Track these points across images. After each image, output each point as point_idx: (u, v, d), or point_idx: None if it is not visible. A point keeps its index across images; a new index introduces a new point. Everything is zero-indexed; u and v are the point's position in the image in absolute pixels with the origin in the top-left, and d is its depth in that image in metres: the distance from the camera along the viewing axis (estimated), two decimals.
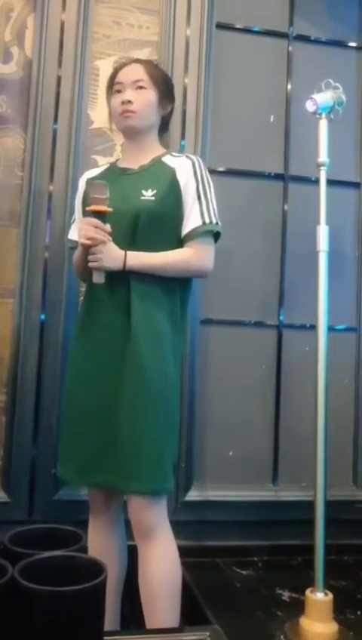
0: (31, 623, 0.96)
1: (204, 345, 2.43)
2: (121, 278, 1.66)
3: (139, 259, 1.65)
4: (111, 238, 1.64)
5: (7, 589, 0.96)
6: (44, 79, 2.30)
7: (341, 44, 2.63)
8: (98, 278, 1.64)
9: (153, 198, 1.68)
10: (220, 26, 2.50)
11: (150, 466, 1.61)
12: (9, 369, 2.26)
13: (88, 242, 1.62)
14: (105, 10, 2.39)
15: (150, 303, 1.67)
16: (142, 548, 1.63)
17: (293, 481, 2.45)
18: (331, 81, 1.99)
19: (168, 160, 1.77)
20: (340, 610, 1.90)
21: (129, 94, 1.74)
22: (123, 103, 1.74)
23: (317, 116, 1.97)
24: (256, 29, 2.56)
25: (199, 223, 1.69)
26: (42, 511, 2.21)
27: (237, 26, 2.54)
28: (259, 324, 2.51)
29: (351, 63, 2.64)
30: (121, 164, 1.84)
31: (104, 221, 1.63)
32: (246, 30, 2.55)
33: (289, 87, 2.57)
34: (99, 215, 1.63)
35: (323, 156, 1.96)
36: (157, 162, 1.77)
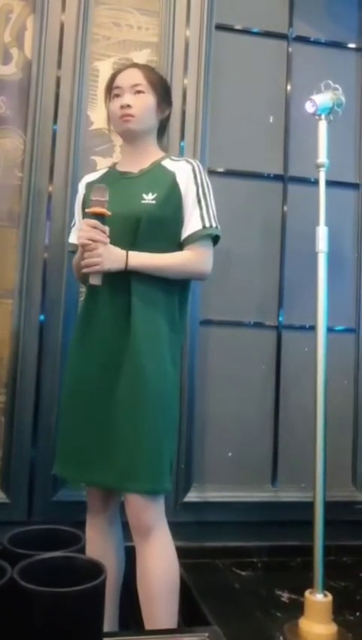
0: (30, 623, 0.96)
1: (204, 346, 2.43)
2: (121, 278, 1.66)
3: (141, 259, 1.66)
4: (108, 241, 1.64)
5: (6, 590, 0.96)
6: (43, 80, 2.30)
7: (340, 45, 2.64)
8: (95, 280, 1.65)
9: (154, 201, 1.69)
10: (220, 27, 2.50)
11: (148, 466, 1.61)
12: (8, 370, 2.26)
13: (88, 242, 1.62)
14: (105, 12, 2.39)
15: (150, 303, 1.68)
16: (140, 547, 1.64)
17: (293, 482, 2.45)
18: (330, 82, 2.00)
19: (168, 164, 1.78)
20: (339, 611, 1.90)
21: (128, 98, 1.75)
22: (122, 107, 1.75)
23: (317, 117, 1.97)
24: (255, 30, 2.56)
25: (199, 226, 1.71)
26: (41, 512, 2.21)
27: (237, 27, 2.54)
28: (258, 325, 2.51)
29: (350, 64, 2.64)
30: (121, 168, 1.84)
31: (103, 223, 1.64)
32: (245, 31, 2.55)
33: (288, 88, 2.58)
34: (99, 217, 1.63)
35: (322, 157, 1.97)
36: (157, 166, 1.78)
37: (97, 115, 2.35)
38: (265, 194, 2.54)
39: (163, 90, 1.83)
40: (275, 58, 2.57)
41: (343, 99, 1.98)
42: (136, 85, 1.76)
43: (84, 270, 1.65)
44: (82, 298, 2.28)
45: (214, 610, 1.90)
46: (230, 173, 2.47)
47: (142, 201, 1.69)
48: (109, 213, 1.63)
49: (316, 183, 1.99)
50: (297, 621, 1.84)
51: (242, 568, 2.30)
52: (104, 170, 1.91)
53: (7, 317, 2.27)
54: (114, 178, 1.81)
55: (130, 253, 1.66)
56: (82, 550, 1.18)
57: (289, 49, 2.58)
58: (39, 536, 1.22)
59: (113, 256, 1.64)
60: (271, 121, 2.56)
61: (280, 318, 2.52)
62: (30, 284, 2.26)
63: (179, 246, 1.73)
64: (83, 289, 2.27)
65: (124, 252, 1.65)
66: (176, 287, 1.74)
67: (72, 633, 0.96)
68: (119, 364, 1.65)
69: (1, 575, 0.98)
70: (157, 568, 1.61)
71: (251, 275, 2.50)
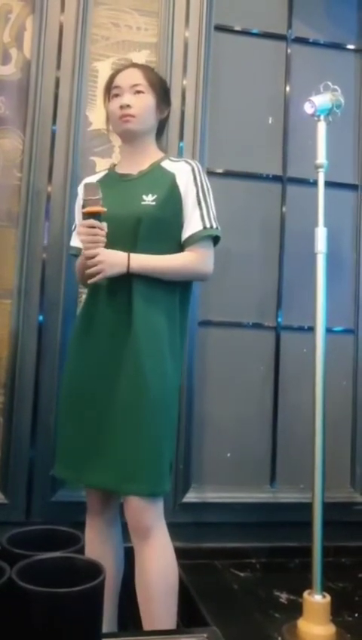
0: (29, 624, 0.95)
1: (203, 346, 2.43)
2: (122, 278, 1.66)
3: (142, 261, 1.66)
4: (105, 240, 1.64)
5: (5, 590, 0.96)
6: (42, 81, 2.30)
7: (339, 46, 2.64)
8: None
9: (154, 203, 1.69)
10: (219, 28, 2.50)
11: (148, 467, 1.61)
12: (7, 370, 2.26)
13: (90, 245, 1.63)
14: (104, 12, 2.39)
15: (150, 303, 1.68)
16: (138, 549, 1.63)
17: (291, 483, 2.45)
18: (329, 83, 2.00)
19: (167, 165, 1.78)
20: (338, 612, 1.90)
21: (127, 98, 1.75)
22: (122, 107, 1.75)
23: (316, 118, 1.97)
24: (254, 31, 2.56)
25: (200, 227, 1.71)
26: (40, 512, 2.20)
27: (236, 28, 2.54)
28: (257, 326, 2.51)
29: (349, 66, 2.65)
30: (120, 170, 1.85)
31: (100, 221, 1.64)
32: (244, 32, 2.55)
33: (287, 89, 2.58)
34: (95, 216, 1.63)
35: (321, 158, 1.97)
36: (157, 167, 1.78)
37: (96, 116, 2.35)
38: (264, 195, 2.54)
39: (162, 91, 1.83)
40: (274, 59, 2.57)
41: (342, 100, 1.98)
42: (135, 85, 1.76)
43: (90, 281, 1.65)
44: (81, 298, 2.29)
45: (213, 611, 1.90)
46: (229, 174, 2.48)
47: (142, 203, 1.69)
48: (104, 210, 1.63)
49: (315, 184, 1.99)
50: (296, 622, 1.84)
51: (241, 569, 2.30)
52: (103, 173, 1.91)
53: (6, 317, 2.27)
54: (113, 180, 1.82)
55: (132, 255, 1.66)
56: (81, 551, 1.18)
57: (289, 50, 2.59)
58: (38, 536, 1.22)
59: (114, 261, 1.64)
60: (270, 122, 2.57)
61: (279, 319, 2.52)
62: (29, 284, 2.26)
63: (180, 247, 1.73)
64: (81, 289, 2.27)
65: (125, 255, 1.65)
66: (178, 287, 1.74)
67: (71, 634, 0.96)
68: (119, 365, 1.65)
69: (0, 575, 0.98)
70: (156, 570, 1.61)
71: (250, 276, 2.50)
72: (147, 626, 1.59)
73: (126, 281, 1.67)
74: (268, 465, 2.48)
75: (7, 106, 2.31)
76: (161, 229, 1.70)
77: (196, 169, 1.76)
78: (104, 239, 1.64)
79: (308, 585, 1.85)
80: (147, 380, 1.62)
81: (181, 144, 2.37)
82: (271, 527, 2.40)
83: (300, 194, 2.52)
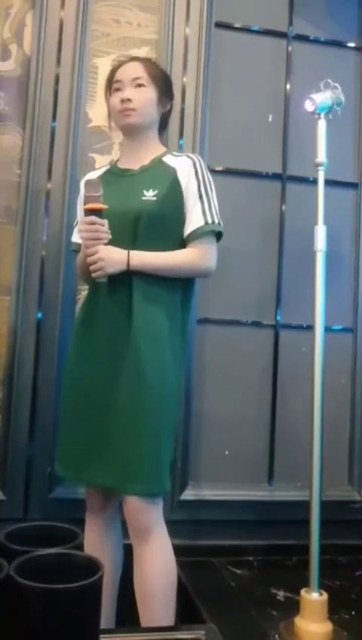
0: (27, 620, 0.95)
1: (201, 344, 2.43)
2: (123, 275, 1.65)
3: (143, 259, 1.65)
4: (110, 236, 1.63)
5: (3, 587, 0.95)
6: (42, 77, 2.30)
7: (340, 44, 2.64)
8: (101, 278, 1.64)
9: (155, 198, 1.67)
10: (219, 25, 2.50)
11: (147, 467, 1.59)
12: (5, 367, 2.26)
13: (91, 242, 1.62)
14: (105, 8, 2.39)
15: (151, 301, 1.66)
16: (138, 548, 1.62)
17: (289, 481, 2.45)
18: (330, 81, 1.99)
19: (169, 160, 1.76)
20: (335, 609, 1.90)
21: (128, 92, 1.73)
22: (122, 101, 1.73)
23: (316, 116, 1.97)
24: (255, 28, 2.56)
25: (201, 223, 1.68)
26: (38, 509, 2.21)
27: (237, 25, 2.54)
28: (256, 324, 2.51)
29: (350, 63, 2.64)
30: (121, 165, 1.83)
31: (101, 218, 1.63)
32: (245, 29, 2.55)
33: (288, 86, 2.57)
34: (96, 213, 1.62)
35: (321, 156, 1.96)
36: (158, 162, 1.76)
37: (96, 113, 2.35)
38: (264, 193, 2.54)
39: (164, 84, 1.81)
40: (275, 56, 2.57)
41: (342, 98, 1.97)
42: (136, 79, 1.74)
43: (93, 275, 1.64)
44: (80, 295, 2.29)
45: (210, 608, 1.90)
46: (229, 172, 2.47)
47: (143, 198, 1.67)
48: (106, 206, 1.62)
49: (315, 182, 1.98)
50: (293, 619, 1.84)
51: (238, 567, 2.30)
52: (105, 168, 1.89)
53: (5, 314, 2.27)
54: (114, 175, 1.80)
55: (132, 253, 1.64)
56: (79, 547, 1.18)
57: (289, 47, 2.58)
58: (36, 532, 1.22)
59: (114, 259, 1.62)
60: (270, 119, 2.56)
61: (278, 318, 2.53)
62: (28, 281, 2.26)
63: (181, 243, 1.71)
64: (80, 286, 2.27)
65: (125, 253, 1.64)
66: (179, 284, 1.72)
67: (69, 630, 0.96)
68: (119, 362, 1.63)
69: None
70: (155, 570, 1.60)
71: (249, 274, 2.50)
72: (145, 624, 1.59)
73: (126, 278, 1.65)
74: (265, 463, 2.49)
75: (7, 102, 2.31)
76: (162, 225, 1.68)
77: (197, 163, 1.74)
78: (105, 236, 1.63)
79: (305, 582, 1.85)
80: (146, 378, 1.61)
81: (181, 142, 2.37)
82: (268, 525, 2.40)
83: (300, 192, 2.52)
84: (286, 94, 2.57)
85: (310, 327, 1.99)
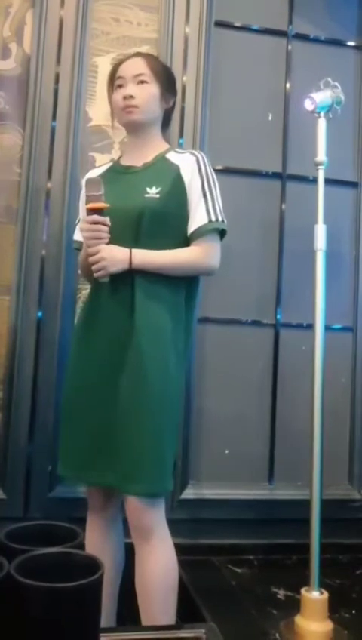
0: (27, 619, 0.95)
1: (201, 343, 2.43)
2: (125, 275, 1.63)
3: (145, 257, 1.63)
4: (108, 236, 1.63)
5: (3, 585, 0.95)
6: (42, 76, 2.30)
7: (340, 43, 2.64)
8: (103, 278, 1.63)
9: (158, 195, 1.65)
10: (219, 24, 2.50)
11: (149, 467, 1.58)
12: (5, 366, 2.26)
13: (92, 241, 1.61)
14: (104, 7, 2.39)
15: (154, 298, 1.64)
16: (139, 548, 1.61)
17: (289, 480, 2.45)
18: (330, 80, 1.99)
19: (172, 157, 1.74)
20: (335, 608, 1.90)
21: (131, 89, 1.71)
22: (125, 97, 1.71)
23: (316, 115, 1.97)
24: (255, 27, 2.56)
25: (205, 220, 1.67)
26: (38, 508, 2.21)
27: (236, 24, 2.54)
28: (256, 323, 2.51)
29: (349, 62, 2.64)
30: (124, 162, 1.81)
31: (103, 216, 1.62)
32: (245, 28, 2.55)
33: (287, 85, 2.57)
34: (98, 212, 1.62)
35: (321, 155, 1.96)
36: (161, 159, 1.74)
37: (96, 112, 2.35)
38: (264, 192, 2.54)
39: (167, 80, 1.78)
40: (275, 55, 2.57)
41: (342, 97, 1.97)
42: (139, 75, 1.72)
43: (95, 275, 1.63)
44: (80, 294, 2.29)
45: (210, 607, 1.90)
46: (228, 171, 2.47)
47: (146, 195, 1.65)
48: (107, 205, 1.61)
49: (314, 181, 1.98)
50: (293, 618, 1.84)
51: (238, 566, 2.30)
52: (107, 165, 1.87)
53: (5, 313, 2.27)
54: (117, 173, 1.79)
55: (134, 251, 1.62)
56: (79, 546, 1.18)
57: (289, 46, 2.58)
58: (36, 531, 1.21)
59: (116, 258, 1.61)
60: (270, 118, 2.56)
61: (278, 317, 2.53)
62: (28, 280, 2.26)
63: (184, 241, 1.69)
64: (81, 285, 2.27)
65: (127, 251, 1.62)
66: (183, 282, 1.71)
67: (69, 628, 0.96)
68: (121, 361, 1.62)
69: None
70: (156, 570, 1.59)
71: (249, 274, 2.50)
72: (146, 624, 1.59)
73: (128, 276, 1.63)
74: (266, 462, 2.49)
75: (7, 101, 2.31)
76: (165, 222, 1.67)
77: (201, 160, 1.71)
78: (107, 235, 1.62)
79: (305, 581, 1.85)
80: (148, 377, 1.59)
81: (181, 140, 2.37)
82: (268, 524, 2.41)
83: (300, 191, 2.52)
84: (286, 93, 2.57)
85: (310, 326, 1.99)
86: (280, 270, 2.53)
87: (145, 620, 1.59)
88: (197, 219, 1.67)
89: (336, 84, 1.99)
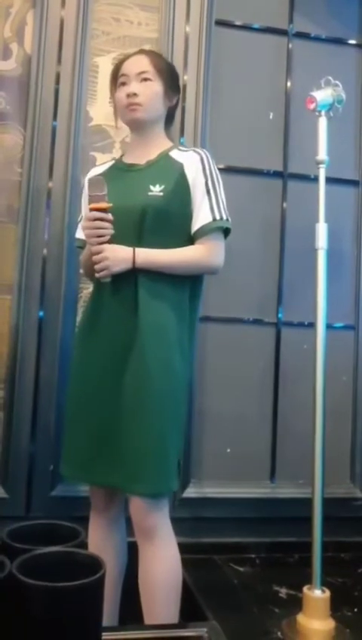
0: (29, 618, 0.96)
1: (203, 342, 2.43)
2: (128, 274, 1.62)
3: (149, 257, 1.62)
4: (112, 232, 1.61)
5: (5, 585, 0.96)
6: (43, 76, 2.30)
7: (341, 41, 2.63)
8: (105, 278, 1.62)
9: (161, 193, 1.64)
10: (220, 23, 2.50)
11: (153, 466, 1.57)
12: (7, 366, 2.26)
13: (94, 240, 1.60)
14: (105, 7, 2.39)
15: (158, 298, 1.63)
16: (143, 548, 1.61)
17: (291, 479, 2.45)
18: (331, 78, 1.99)
19: (176, 154, 1.73)
20: (337, 607, 1.90)
21: (134, 87, 1.70)
22: (128, 95, 1.70)
23: (317, 114, 1.97)
24: (255, 25, 2.55)
25: (209, 219, 1.66)
26: (40, 507, 2.21)
27: (237, 22, 2.54)
28: (257, 322, 2.51)
29: (350, 61, 2.64)
30: (127, 160, 1.80)
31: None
32: (245, 27, 2.55)
33: (288, 84, 2.57)
34: (101, 212, 1.60)
35: (322, 154, 1.96)
36: (165, 157, 1.73)
37: (97, 111, 2.35)
38: (265, 191, 2.54)
39: (170, 77, 1.77)
40: (275, 54, 2.57)
41: (343, 95, 1.97)
42: (142, 73, 1.70)
43: (97, 275, 1.62)
44: (81, 294, 2.29)
45: (212, 605, 1.90)
46: (230, 170, 2.47)
47: (149, 193, 1.64)
48: (110, 205, 1.60)
49: (316, 179, 1.98)
50: (295, 617, 1.84)
51: (240, 564, 2.31)
52: (110, 163, 1.85)
53: (6, 313, 2.28)
54: (120, 170, 1.78)
55: (137, 251, 1.61)
56: (81, 545, 1.18)
57: (290, 45, 2.58)
58: (38, 531, 1.22)
59: (119, 257, 1.60)
60: (270, 117, 2.56)
61: (280, 315, 2.53)
62: (29, 280, 2.26)
63: (187, 240, 1.68)
64: (82, 285, 2.28)
65: (130, 251, 1.61)
66: (187, 281, 1.69)
67: (71, 627, 0.96)
68: (125, 361, 1.61)
69: (0, 569, 0.99)
70: (159, 570, 1.59)
71: (250, 272, 2.50)
72: (148, 623, 1.59)
73: (131, 275, 1.62)
74: (267, 460, 2.49)
75: (8, 101, 2.31)
76: (168, 221, 1.65)
77: (205, 158, 1.70)
78: (109, 232, 1.60)
79: (307, 580, 1.86)
80: (152, 376, 1.58)
81: (182, 139, 2.37)
82: (270, 523, 2.41)
83: (301, 190, 2.52)
84: (286, 92, 2.57)
85: (311, 325, 1.99)
86: (281, 269, 2.53)
87: (148, 620, 1.59)
88: (201, 217, 1.66)
89: (337, 82, 1.98)
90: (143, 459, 1.56)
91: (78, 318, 2.23)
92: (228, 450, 2.45)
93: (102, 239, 1.61)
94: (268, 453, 2.49)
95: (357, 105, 2.61)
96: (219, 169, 2.42)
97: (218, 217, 1.66)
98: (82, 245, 1.79)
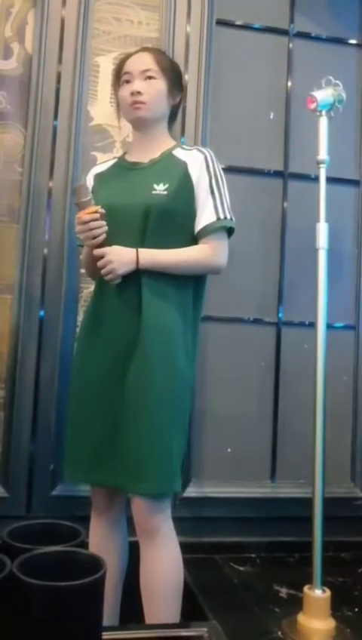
0: (29, 617, 0.96)
1: (203, 342, 2.42)
2: (131, 274, 1.61)
3: (152, 257, 1.61)
4: (106, 229, 1.60)
5: (5, 584, 0.96)
6: (44, 75, 2.30)
7: (341, 41, 2.63)
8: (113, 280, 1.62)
9: (165, 192, 1.63)
10: (220, 23, 2.50)
11: (156, 466, 1.56)
12: (8, 365, 2.26)
13: (90, 242, 1.60)
14: (106, 7, 2.39)
15: (161, 298, 1.62)
16: (144, 548, 1.61)
17: (291, 478, 2.45)
18: (331, 78, 1.99)
19: (179, 153, 1.72)
20: (337, 606, 1.91)
21: (138, 85, 1.68)
22: (132, 93, 1.69)
23: (317, 113, 1.97)
24: (256, 25, 2.55)
25: (213, 218, 1.65)
26: (40, 506, 2.21)
27: (238, 22, 2.54)
28: (257, 322, 2.51)
29: (351, 61, 2.64)
30: (130, 158, 1.79)
31: (102, 217, 1.59)
32: (246, 27, 2.55)
33: (289, 84, 2.57)
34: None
35: (323, 154, 1.96)
36: (168, 155, 1.72)
37: (97, 111, 2.35)
38: (266, 190, 2.54)
39: (174, 75, 1.76)
40: (276, 54, 2.57)
41: (344, 95, 1.97)
42: (146, 70, 1.69)
43: (106, 279, 1.61)
44: (82, 294, 2.29)
45: (212, 605, 1.90)
46: (230, 170, 2.46)
47: (153, 192, 1.63)
48: (98, 207, 1.58)
49: (316, 179, 1.99)
50: (295, 616, 1.84)
51: (240, 564, 2.31)
52: (113, 161, 1.84)
53: (7, 312, 2.28)
54: (123, 169, 1.77)
55: (141, 251, 1.60)
56: (82, 545, 1.18)
57: (290, 45, 2.58)
58: (39, 530, 1.22)
59: (123, 259, 1.59)
60: (271, 117, 2.56)
61: (280, 315, 2.53)
62: (30, 279, 2.26)
63: (191, 239, 1.67)
64: (83, 284, 2.28)
65: (133, 252, 1.60)
66: (191, 281, 1.69)
67: (72, 627, 0.96)
68: (128, 361, 1.60)
69: (1, 569, 0.99)
70: (160, 570, 1.59)
71: (251, 272, 2.50)
72: (149, 623, 1.59)
73: (135, 276, 1.61)
74: (268, 460, 2.49)
75: (9, 100, 2.31)
76: (172, 220, 1.64)
77: (209, 157, 1.69)
78: (103, 230, 1.59)
79: (308, 579, 1.86)
80: (155, 376, 1.58)
81: (182, 139, 2.37)
82: (271, 522, 2.41)
83: (301, 190, 2.52)
84: (287, 92, 2.57)
85: (312, 325, 1.99)
86: (281, 268, 2.53)
87: (149, 620, 1.59)
88: (205, 216, 1.65)
89: (338, 82, 1.98)
90: (146, 459, 1.56)
91: (79, 318, 2.24)
92: (229, 450, 2.45)
93: (98, 240, 1.60)
94: (268, 452, 2.49)
95: (357, 105, 2.61)
96: None
97: (222, 217, 1.65)
98: (82, 244, 1.78)
